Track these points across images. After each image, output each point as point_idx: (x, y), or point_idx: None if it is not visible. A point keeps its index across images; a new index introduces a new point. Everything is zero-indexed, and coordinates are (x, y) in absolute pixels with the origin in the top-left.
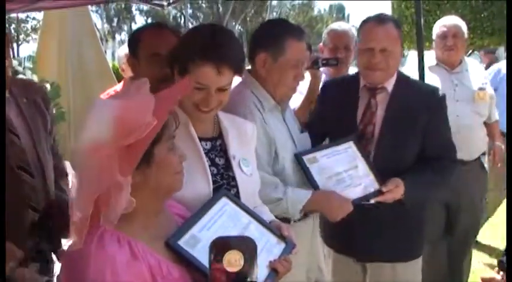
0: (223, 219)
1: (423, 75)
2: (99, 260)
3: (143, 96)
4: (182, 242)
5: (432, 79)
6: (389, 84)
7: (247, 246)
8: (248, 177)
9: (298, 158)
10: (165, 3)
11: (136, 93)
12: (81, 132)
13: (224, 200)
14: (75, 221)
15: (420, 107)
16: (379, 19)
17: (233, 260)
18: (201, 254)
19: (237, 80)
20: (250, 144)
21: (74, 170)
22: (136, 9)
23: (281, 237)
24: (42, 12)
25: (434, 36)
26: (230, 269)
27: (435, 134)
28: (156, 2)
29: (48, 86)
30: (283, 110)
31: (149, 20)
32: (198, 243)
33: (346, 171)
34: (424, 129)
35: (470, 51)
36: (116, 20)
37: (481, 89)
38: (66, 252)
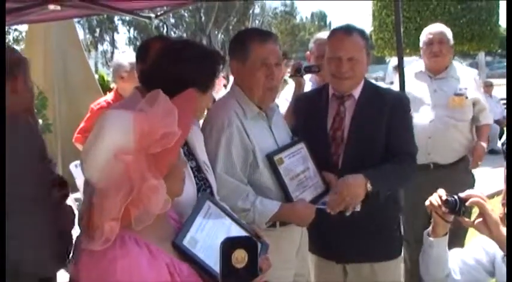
0: (211, 221)
1: (403, 80)
2: (125, 263)
3: (166, 107)
4: (186, 243)
5: (415, 85)
6: (356, 92)
7: (250, 245)
8: (212, 176)
9: (270, 158)
10: (152, 16)
11: (157, 104)
12: (97, 142)
13: (208, 203)
14: (105, 227)
15: (384, 110)
16: (347, 30)
17: (240, 258)
18: (201, 253)
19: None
20: (203, 147)
21: (94, 178)
22: (118, 20)
23: (256, 237)
24: (25, 24)
25: (421, 44)
26: (238, 266)
27: (395, 133)
28: (143, 14)
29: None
30: (269, 118)
31: (131, 30)
32: (197, 243)
33: (303, 173)
34: (387, 129)
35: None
36: (98, 30)
37: (457, 94)
38: (87, 253)
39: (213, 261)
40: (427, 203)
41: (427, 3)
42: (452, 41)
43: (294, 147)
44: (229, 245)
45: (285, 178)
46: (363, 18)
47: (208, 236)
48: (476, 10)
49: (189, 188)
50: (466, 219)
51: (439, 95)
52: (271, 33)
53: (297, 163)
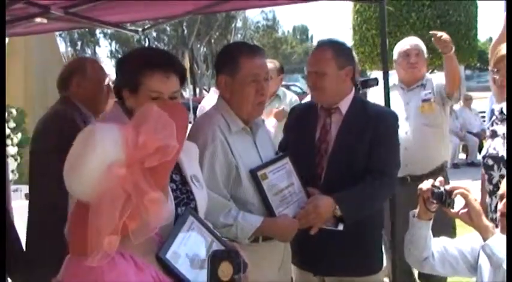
0: (193, 237)
1: (388, 94)
2: (113, 275)
3: (162, 120)
4: (168, 256)
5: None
6: (343, 106)
7: (235, 258)
8: (201, 190)
9: (253, 174)
10: (139, 29)
11: (150, 118)
12: (87, 157)
13: (191, 218)
14: (104, 242)
15: (368, 126)
16: (319, 44)
17: (226, 271)
18: (183, 268)
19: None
20: (195, 162)
21: (85, 194)
22: (100, 33)
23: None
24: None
25: (395, 56)
26: (224, 279)
27: (375, 149)
28: (130, 28)
29: (14, 111)
30: (254, 133)
31: (113, 44)
32: (179, 258)
33: (287, 188)
34: (369, 145)
35: (431, 70)
36: (79, 43)
37: (424, 100)
38: (72, 267)
39: (193, 277)
40: (420, 186)
41: (407, 18)
42: (426, 54)
43: (278, 162)
44: (217, 258)
45: (268, 194)
46: (344, 32)
47: (190, 251)
48: (455, 25)
49: None
50: (452, 210)
51: (410, 106)
52: (260, 48)
53: (281, 178)
